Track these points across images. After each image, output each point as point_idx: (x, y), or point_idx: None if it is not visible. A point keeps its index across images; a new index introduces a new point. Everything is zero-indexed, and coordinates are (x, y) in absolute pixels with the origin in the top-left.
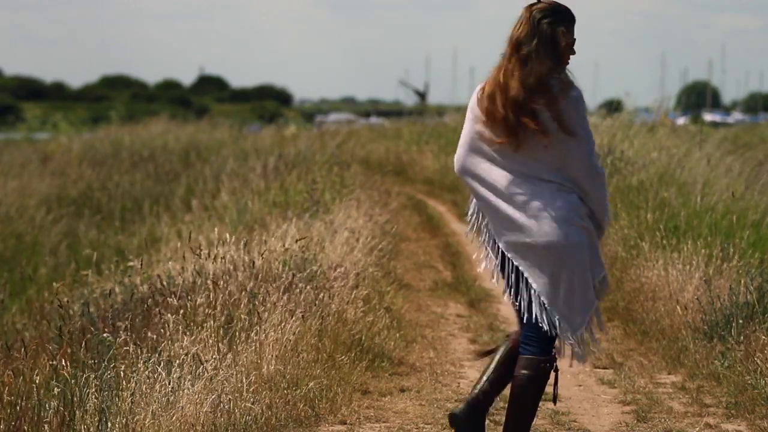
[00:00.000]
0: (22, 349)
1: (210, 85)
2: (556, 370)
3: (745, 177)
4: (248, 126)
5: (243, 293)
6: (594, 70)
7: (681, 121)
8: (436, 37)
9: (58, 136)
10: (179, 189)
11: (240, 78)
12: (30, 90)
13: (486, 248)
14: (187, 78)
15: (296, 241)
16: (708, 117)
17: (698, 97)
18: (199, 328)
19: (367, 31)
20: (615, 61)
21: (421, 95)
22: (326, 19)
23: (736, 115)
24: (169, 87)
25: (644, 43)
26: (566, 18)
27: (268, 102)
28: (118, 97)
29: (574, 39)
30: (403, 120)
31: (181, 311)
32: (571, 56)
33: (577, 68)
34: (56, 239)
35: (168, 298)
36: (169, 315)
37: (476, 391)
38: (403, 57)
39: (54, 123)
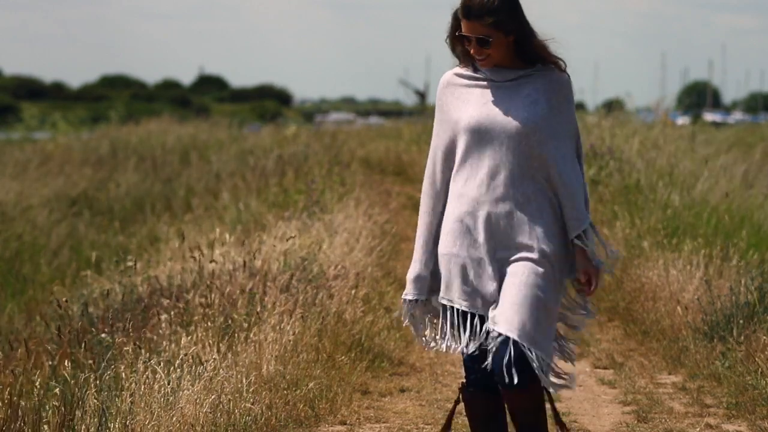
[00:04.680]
0: (22, 350)
1: (210, 85)
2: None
3: (745, 177)
4: (248, 125)
5: (242, 293)
6: (594, 70)
7: (681, 121)
8: (436, 37)
9: (57, 136)
10: (180, 189)
11: (240, 78)
12: (29, 90)
13: None
14: (186, 78)
15: (287, 240)
16: (708, 117)
17: (699, 97)
18: (198, 328)
19: (367, 31)
20: (615, 61)
21: (421, 95)
22: (326, 19)
23: (737, 115)
24: (169, 87)
25: (644, 43)
26: None
27: (268, 102)
28: (117, 96)
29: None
30: (403, 120)
31: (180, 311)
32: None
33: (577, 68)
34: (57, 240)
35: (167, 299)
36: (168, 315)
37: None
38: (403, 57)
39: (53, 123)
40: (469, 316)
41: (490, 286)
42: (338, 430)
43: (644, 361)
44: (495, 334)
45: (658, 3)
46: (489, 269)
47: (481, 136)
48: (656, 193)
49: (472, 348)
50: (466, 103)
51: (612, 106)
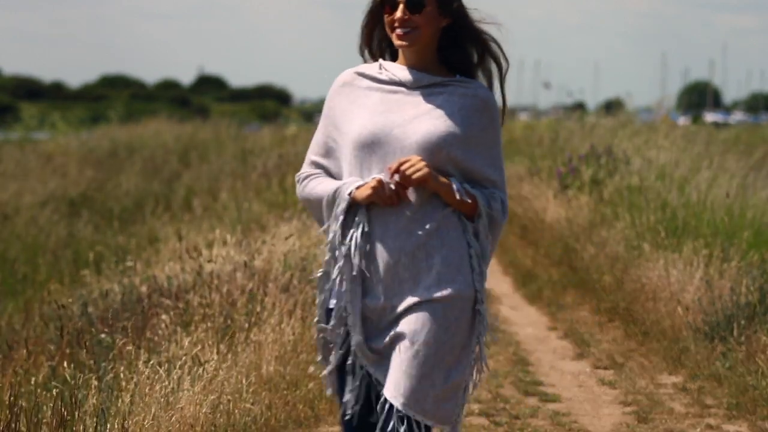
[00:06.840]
0: (22, 350)
1: (209, 85)
2: None
3: (745, 177)
4: (247, 125)
5: (242, 294)
6: (594, 70)
7: (681, 121)
8: None
9: (56, 136)
10: (179, 189)
11: (240, 78)
12: (29, 90)
13: None
14: (186, 77)
15: (286, 238)
16: (709, 117)
17: (699, 97)
18: (198, 328)
19: None
20: (615, 61)
21: None
22: (326, 19)
23: (738, 116)
24: (169, 87)
25: (644, 43)
26: None
27: (268, 102)
28: (117, 96)
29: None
30: None
31: (180, 312)
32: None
33: (577, 68)
34: (56, 239)
35: (167, 299)
36: (168, 315)
37: None
38: None
39: (52, 123)
40: (358, 368)
41: (381, 339)
42: (338, 430)
43: (645, 362)
44: (383, 401)
45: (658, 3)
46: (384, 320)
47: (372, 152)
48: (656, 193)
49: (354, 408)
50: (361, 108)
51: (612, 106)
